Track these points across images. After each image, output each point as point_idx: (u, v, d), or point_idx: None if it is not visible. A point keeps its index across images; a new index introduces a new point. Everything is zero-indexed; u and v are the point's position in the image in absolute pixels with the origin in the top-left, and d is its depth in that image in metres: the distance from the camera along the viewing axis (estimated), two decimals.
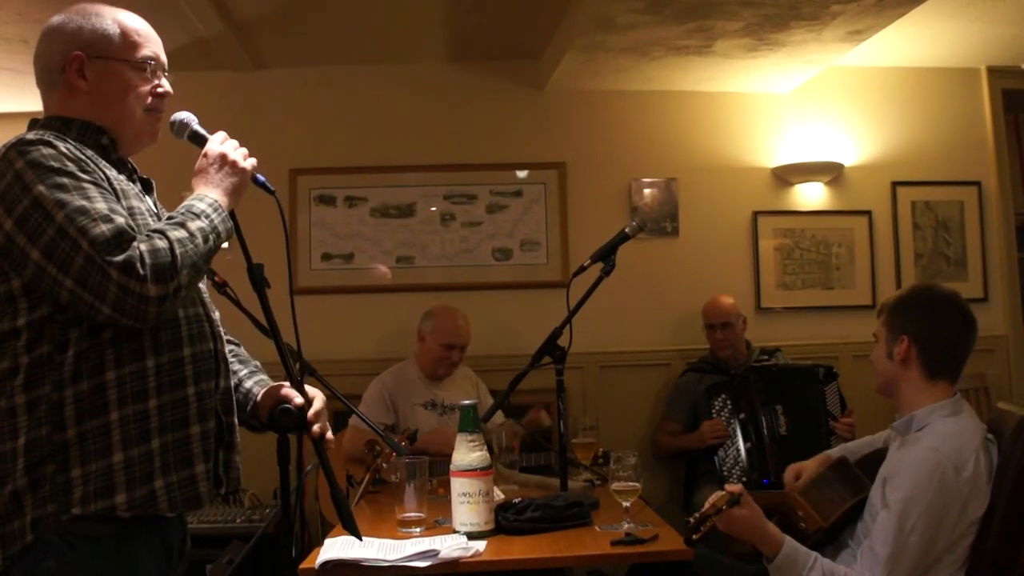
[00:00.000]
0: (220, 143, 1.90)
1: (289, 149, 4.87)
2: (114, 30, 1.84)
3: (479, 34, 4.67)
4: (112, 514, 1.65)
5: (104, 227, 1.59)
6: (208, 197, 1.80)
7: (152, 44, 1.90)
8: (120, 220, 1.62)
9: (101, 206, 1.62)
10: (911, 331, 2.41)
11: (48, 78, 1.83)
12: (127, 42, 1.85)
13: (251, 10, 4.18)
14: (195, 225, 1.71)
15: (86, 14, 1.83)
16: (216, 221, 1.77)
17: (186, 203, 1.78)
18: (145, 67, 1.87)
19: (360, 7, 4.21)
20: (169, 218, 1.73)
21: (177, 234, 1.67)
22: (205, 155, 1.88)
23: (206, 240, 1.72)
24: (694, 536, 2.25)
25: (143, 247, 1.60)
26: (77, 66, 1.80)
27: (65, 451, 1.63)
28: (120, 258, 1.57)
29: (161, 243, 1.63)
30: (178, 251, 1.64)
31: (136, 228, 1.65)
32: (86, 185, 1.64)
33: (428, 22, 4.48)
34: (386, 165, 4.92)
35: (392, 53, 4.84)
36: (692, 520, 2.26)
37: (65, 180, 1.62)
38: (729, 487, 2.32)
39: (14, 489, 1.61)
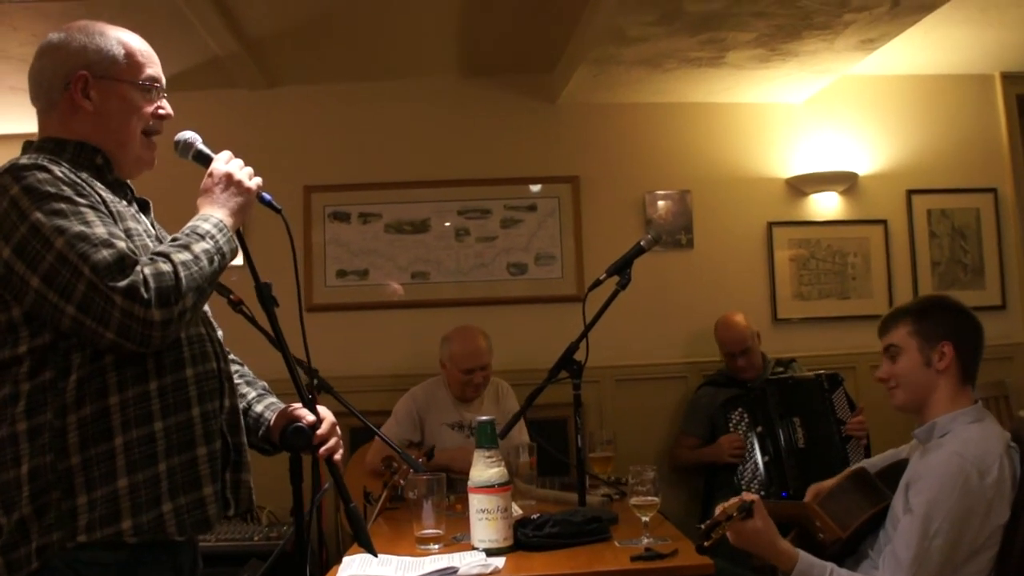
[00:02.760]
0: (225, 162, 1.89)
1: (303, 166, 4.89)
2: (119, 51, 1.82)
3: (491, 49, 4.68)
4: (119, 540, 1.62)
5: (105, 252, 1.57)
6: (213, 217, 1.79)
7: (155, 65, 1.89)
8: (121, 244, 1.60)
9: (100, 231, 1.60)
10: (951, 335, 2.40)
11: (47, 96, 1.81)
12: (132, 63, 1.84)
13: (264, 29, 4.20)
14: (199, 247, 1.70)
15: (89, 32, 1.82)
16: (221, 242, 1.75)
17: (191, 224, 1.76)
18: (150, 88, 1.86)
19: (372, 24, 4.23)
20: (173, 239, 1.72)
21: (181, 256, 1.65)
22: (210, 175, 1.87)
23: (211, 262, 1.70)
24: (706, 543, 2.23)
25: (147, 271, 1.59)
26: (82, 85, 1.78)
27: (70, 478, 1.60)
28: (123, 283, 1.56)
29: (165, 266, 1.61)
30: (182, 274, 1.62)
31: (136, 251, 1.63)
32: (84, 209, 1.62)
33: (440, 37, 4.49)
34: (400, 181, 4.93)
35: (405, 69, 4.86)
36: (703, 527, 2.24)
37: (62, 205, 1.60)
38: (745, 495, 2.30)
39: (20, 517, 1.59)
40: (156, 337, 1.60)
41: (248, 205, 1.88)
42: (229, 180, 1.86)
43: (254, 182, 1.90)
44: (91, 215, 1.62)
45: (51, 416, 1.61)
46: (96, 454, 1.62)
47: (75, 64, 1.79)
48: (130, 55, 1.84)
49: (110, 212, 1.69)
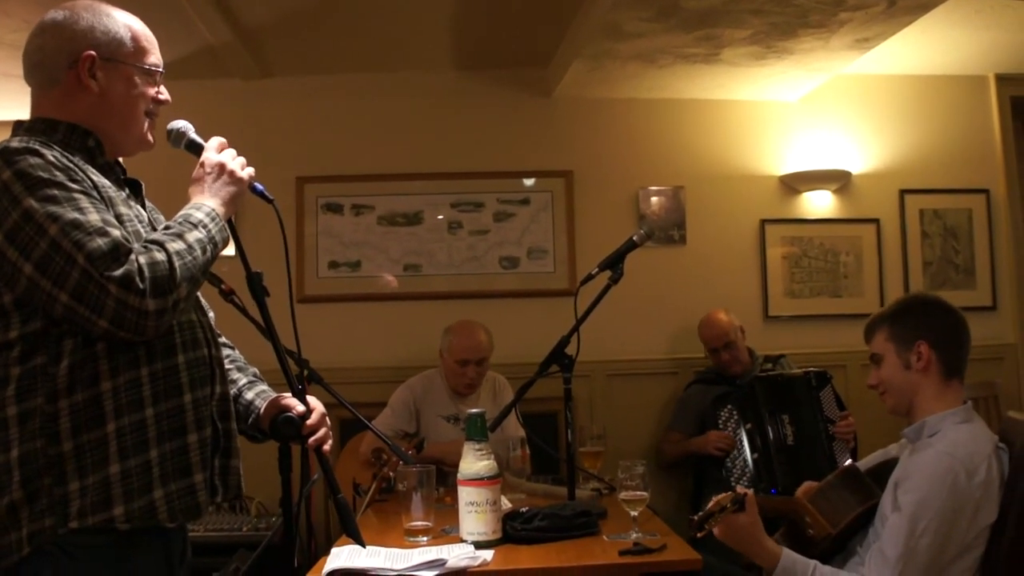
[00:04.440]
0: (217, 151, 1.89)
1: (296, 157, 4.88)
2: (126, 34, 1.82)
3: (486, 42, 4.67)
4: (111, 526, 1.62)
5: (100, 240, 1.56)
6: (205, 206, 1.79)
7: (157, 51, 1.89)
8: (116, 233, 1.59)
9: (95, 218, 1.59)
10: (925, 334, 2.41)
11: (47, 74, 1.79)
12: (138, 47, 1.84)
13: (259, 18, 4.18)
14: (193, 236, 1.70)
15: (96, 12, 1.81)
16: (213, 231, 1.75)
17: (183, 212, 1.76)
18: (154, 74, 1.87)
19: (367, 16, 4.21)
20: (166, 227, 1.72)
21: (176, 246, 1.65)
22: (202, 164, 1.87)
23: (204, 251, 1.71)
24: (698, 534, 2.24)
25: (141, 260, 1.59)
26: (88, 65, 1.77)
27: (61, 464, 1.60)
28: (118, 272, 1.56)
29: (160, 256, 1.61)
30: (177, 264, 1.63)
31: (129, 239, 1.62)
32: (77, 196, 1.61)
33: (435, 30, 4.48)
34: (393, 173, 4.92)
35: (399, 61, 4.84)
36: (696, 518, 2.25)
37: (55, 192, 1.59)
38: (740, 489, 2.31)
39: (11, 502, 1.59)
40: (150, 327, 1.60)
41: (240, 195, 1.88)
42: (221, 169, 1.86)
43: (246, 172, 1.90)
44: (84, 201, 1.61)
45: (42, 401, 1.60)
46: (88, 440, 1.62)
47: (82, 44, 1.78)
48: (136, 39, 1.84)
49: (102, 198, 1.68)
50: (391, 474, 3.24)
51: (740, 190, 5.04)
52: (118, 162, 1.90)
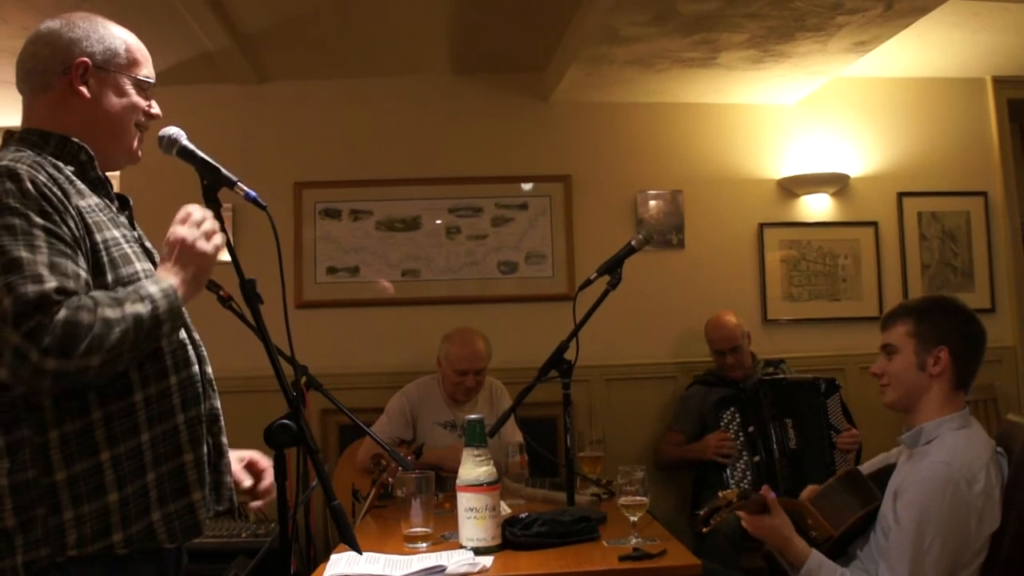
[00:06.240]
0: (182, 223, 1.78)
1: (294, 162, 4.88)
2: (120, 45, 1.82)
3: (484, 46, 4.67)
4: (110, 552, 1.60)
5: (30, 287, 1.50)
6: (165, 282, 1.69)
7: (150, 65, 1.89)
8: (50, 284, 1.52)
9: (42, 259, 1.53)
10: (950, 341, 2.38)
11: (40, 80, 1.78)
12: (131, 59, 1.83)
13: (256, 24, 4.18)
14: (132, 309, 1.59)
15: (92, 23, 1.81)
16: (161, 308, 1.64)
17: (139, 283, 1.68)
18: (146, 86, 1.86)
19: (365, 20, 4.21)
20: (115, 291, 1.64)
21: (109, 313, 1.56)
22: (166, 241, 1.77)
23: (139, 326, 1.60)
24: (704, 529, 2.25)
25: (62, 315, 1.51)
26: (81, 72, 1.76)
27: (55, 494, 1.57)
28: (29, 325, 1.49)
29: (86, 317, 1.53)
30: (98, 331, 1.53)
31: (67, 290, 1.54)
32: (36, 232, 1.55)
33: (433, 35, 4.48)
34: (391, 178, 4.91)
35: (397, 66, 4.84)
36: (702, 513, 2.26)
37: (16, 221, 1.54)
38: (765, 492, 2.33)
39: (3, 529, 1.57)
40: (46, 386, 1.52)
41: (203, 271, 1.78)
42: (182, 245, 1.75)
43: (211, 244, 1.79)
44: (41, 239, 1.56)
45: (30, 432, 1.58)
46: (82, 470, 1.60)
47: (76, 51, 1.77)
48: (130, 51, 1.84)
49: (86, 224, 1.64)
50: (390, 480, 3.24)
51: (738, 194, 5.04)
52: (107, 178, 1.87)
